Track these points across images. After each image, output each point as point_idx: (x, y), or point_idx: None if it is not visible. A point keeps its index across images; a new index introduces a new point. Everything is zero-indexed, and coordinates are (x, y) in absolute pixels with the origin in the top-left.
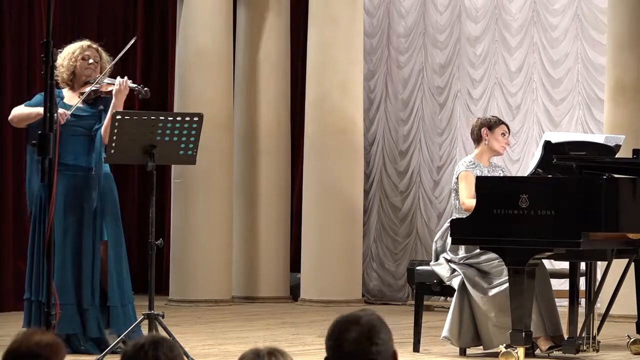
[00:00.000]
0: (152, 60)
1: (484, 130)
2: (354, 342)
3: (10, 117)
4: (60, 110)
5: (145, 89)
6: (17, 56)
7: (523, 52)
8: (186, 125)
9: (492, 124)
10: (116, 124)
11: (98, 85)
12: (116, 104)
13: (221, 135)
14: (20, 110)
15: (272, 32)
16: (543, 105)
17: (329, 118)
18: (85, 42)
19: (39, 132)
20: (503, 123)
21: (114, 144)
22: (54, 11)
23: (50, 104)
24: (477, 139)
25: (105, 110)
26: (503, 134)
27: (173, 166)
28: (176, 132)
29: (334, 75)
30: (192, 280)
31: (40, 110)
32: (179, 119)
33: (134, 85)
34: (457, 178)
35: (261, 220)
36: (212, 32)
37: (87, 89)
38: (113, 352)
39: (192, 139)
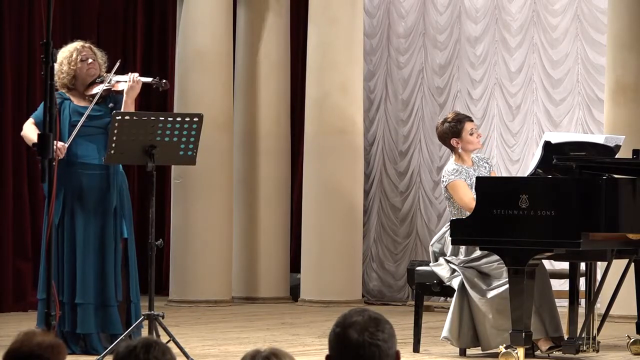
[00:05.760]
0: (152, 60)
1: (453, 141)
2: (362, 327)
3: (22, 132)
4: (59, 144)
5: (164, 81)
6: (17, 56)
7: (523, 52)
8: (186, 126)
9: (456, 129)
10: (116, 124)
11: (109, 85)
12: (127, 102)
13: (221, 135)
14: (26, 131)
15: (272, 32)
16: (543, 106)
17: (329, 118)
18: (79, 43)
19: (39, 132)
20: (465, 121)
21: (113, 144)
22: (54, 11)
23: (51, 104)
24: (451, 148)
25: (116, 108)
26: (471, 133)
27: (173, 166)
28: (176, 132)
29: (334, 75)
30: (192, 280)
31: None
32: (178, 119)
33: (149, 79)
34: (447, 188)
35: (261, 220)
36: (212, 32)
37: (95, 90)
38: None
39: (192, 139)
